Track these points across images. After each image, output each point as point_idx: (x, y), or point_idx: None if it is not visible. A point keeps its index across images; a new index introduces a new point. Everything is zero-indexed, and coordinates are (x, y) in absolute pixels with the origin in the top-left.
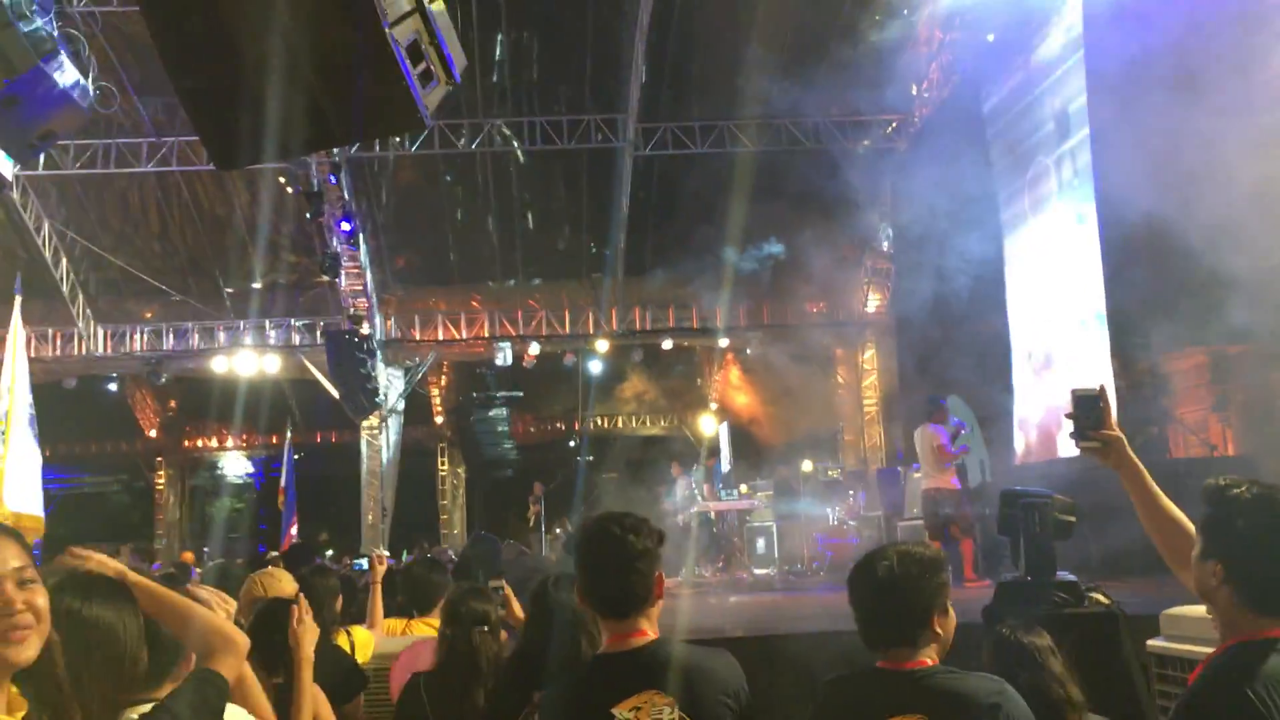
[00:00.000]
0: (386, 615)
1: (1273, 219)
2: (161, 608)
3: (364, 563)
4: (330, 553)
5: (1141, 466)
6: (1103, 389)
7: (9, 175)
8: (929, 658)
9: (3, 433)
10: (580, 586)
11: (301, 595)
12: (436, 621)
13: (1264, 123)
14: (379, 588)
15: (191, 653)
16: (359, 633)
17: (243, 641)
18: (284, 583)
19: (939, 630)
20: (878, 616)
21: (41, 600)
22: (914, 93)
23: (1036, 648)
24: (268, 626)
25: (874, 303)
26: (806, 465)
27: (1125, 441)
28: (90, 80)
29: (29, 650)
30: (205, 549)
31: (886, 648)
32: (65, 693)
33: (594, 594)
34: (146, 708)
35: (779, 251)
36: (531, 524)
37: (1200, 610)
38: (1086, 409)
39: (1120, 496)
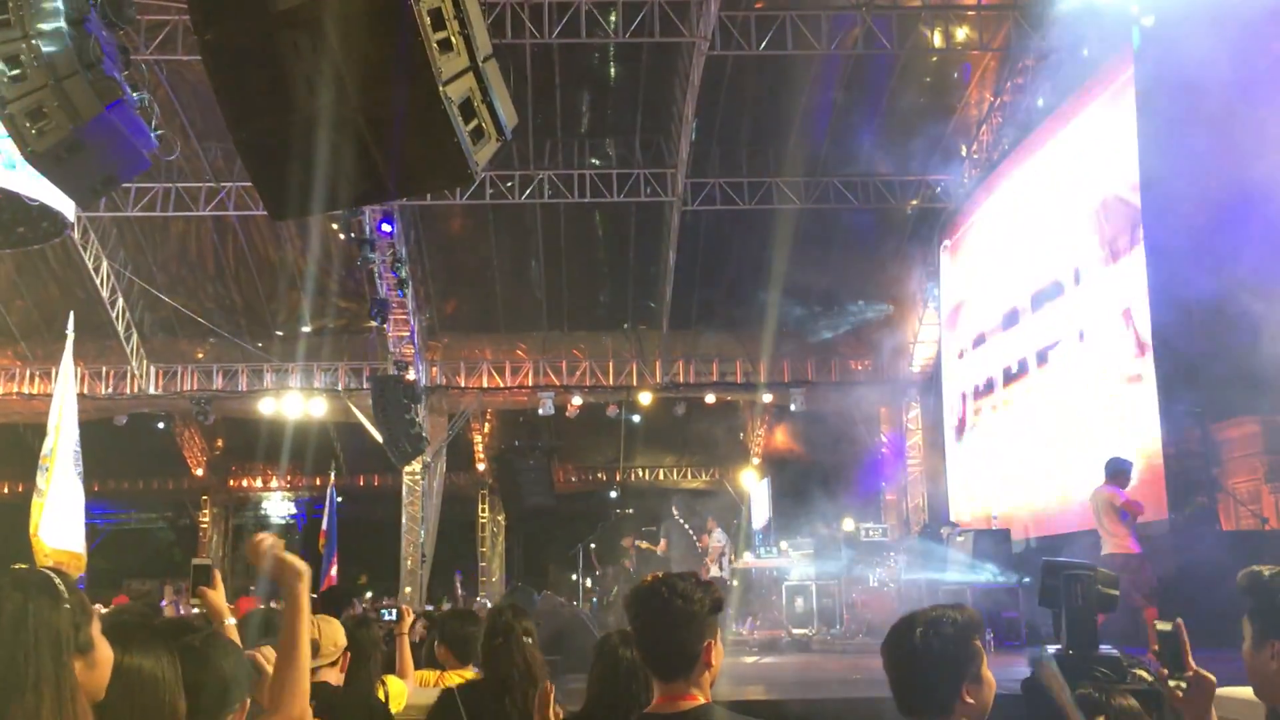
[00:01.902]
0: (416, 666)
1: None
2: (290, 639)
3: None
4: (370, 594)
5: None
6: (1179, 624)
7: (71, 217)
8: None
9: (46, 470)
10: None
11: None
12: (469, 673)
13: None
14: (406, 639)
15: (246, 700)
16: (393, 683)
17: (301, 713)
18: (335, 631)
19: (969, 699)
20: (906, 684)
21: None
22: (963, 154)
23: (1130, 708)
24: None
25: (920, 362)
26: (848, 524)
27: (1214, 685)
28: (153, 127)
29: None
30: (251, 588)
31: (918, 716)
32: None
33: (642, 654)
34: None
35: (824, 308)
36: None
37: (1246, 692)
38: (1168, 645)
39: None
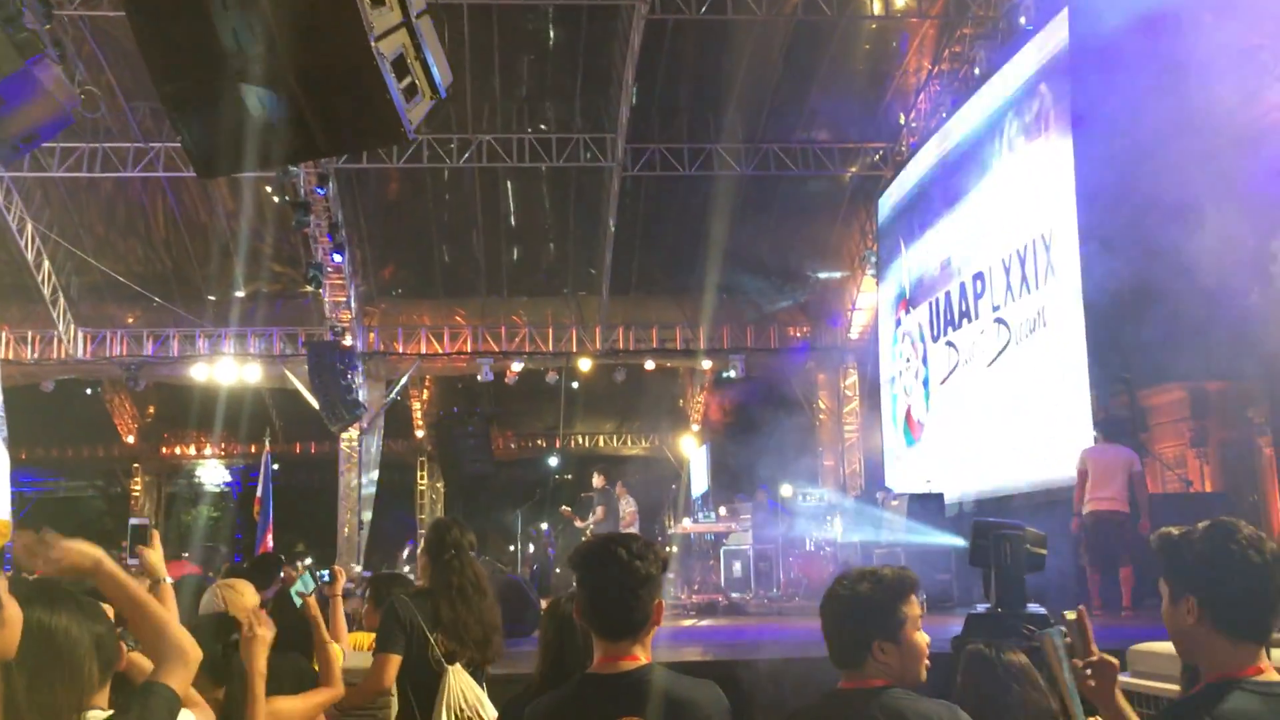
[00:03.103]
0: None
1: (1251, 259)
2: (133, 606)
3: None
4: (309, 561)
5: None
6: (1081, 612)
7: None
8: (879, 680)
9: None
10: (579, 605)
11: (258, 609)
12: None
13: (1246, 161)
14: (339, 601)
15: (126, 655)
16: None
17: (194, 654)
18: (246, 596)
19: (882, 657)
20: (827, 635)
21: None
22: (901, 122)
23: (1019, 665)
24: (212, 637)
25: (858, 328)
26: (786, 490)
27: (1116, 668)
28: (77, 84)
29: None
30: (184, 554)
31: (841, 668)
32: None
33: (592, 615)
34: (99, 715)
35: (764, 275)
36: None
37: (1168, 647)
38: (1074, 632)
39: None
